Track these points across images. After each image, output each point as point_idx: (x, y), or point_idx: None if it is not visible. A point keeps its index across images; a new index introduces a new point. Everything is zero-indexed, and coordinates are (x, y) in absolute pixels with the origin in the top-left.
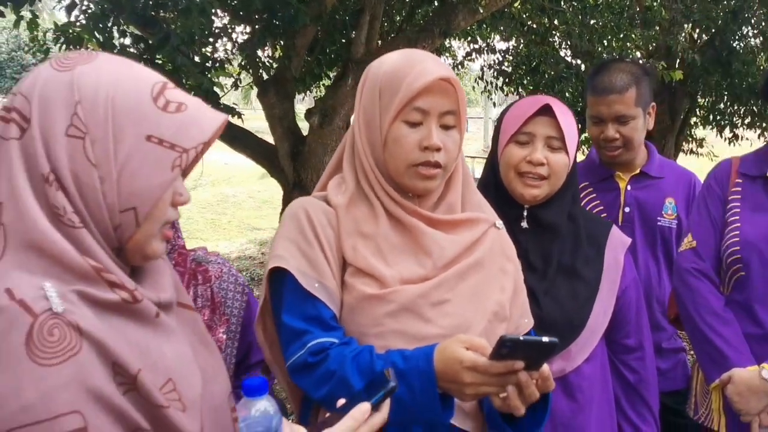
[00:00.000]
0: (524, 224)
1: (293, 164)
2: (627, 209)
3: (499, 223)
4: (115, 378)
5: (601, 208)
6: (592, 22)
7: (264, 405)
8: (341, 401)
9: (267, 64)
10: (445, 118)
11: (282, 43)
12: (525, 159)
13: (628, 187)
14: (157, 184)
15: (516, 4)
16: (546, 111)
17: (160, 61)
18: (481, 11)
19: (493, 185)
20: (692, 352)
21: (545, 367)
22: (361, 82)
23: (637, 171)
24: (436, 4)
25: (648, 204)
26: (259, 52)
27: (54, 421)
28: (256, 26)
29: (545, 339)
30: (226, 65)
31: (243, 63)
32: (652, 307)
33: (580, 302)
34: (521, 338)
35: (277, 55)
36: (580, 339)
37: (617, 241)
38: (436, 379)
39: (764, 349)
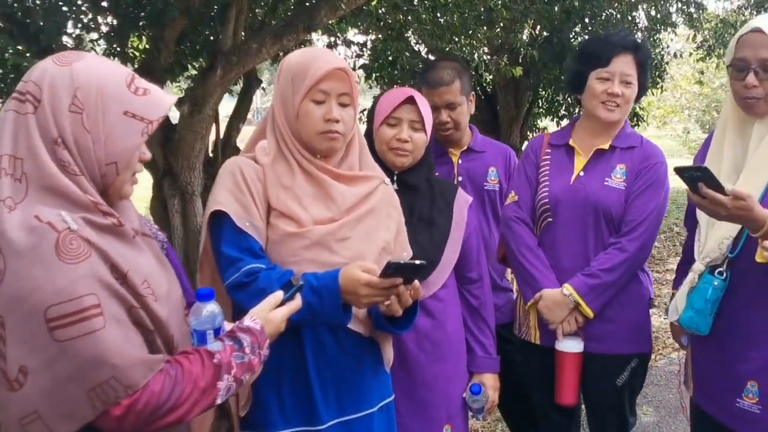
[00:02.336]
0: (394, 186)
1: (163, 152)
2: (460, 178)
3: (387, 180)
4: (113, 274)
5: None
6: (441, 20)
7: (212, 307)
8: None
9: (132, 54)
10: (342, 98)
11: (150, 34)
12: (394, 137)
13: (459, 161)
14: (132, 145)
15: (373, 2)
16: (410, 100)
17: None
18: (344, 7)
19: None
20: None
21: (416, 282)
22: (278, 72)
23: (465, 147)
24: None
25: (475, 173)
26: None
27: (79, 299)
28: (123, 18)
29: (417, 262)
30: None
31: (108, 53)
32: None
33: (435, 244)
34: (401, 262)
35: (142, 46)
36: (435, 272)
37: (462, 199)
38: (340, 292)
39: (564, 276)
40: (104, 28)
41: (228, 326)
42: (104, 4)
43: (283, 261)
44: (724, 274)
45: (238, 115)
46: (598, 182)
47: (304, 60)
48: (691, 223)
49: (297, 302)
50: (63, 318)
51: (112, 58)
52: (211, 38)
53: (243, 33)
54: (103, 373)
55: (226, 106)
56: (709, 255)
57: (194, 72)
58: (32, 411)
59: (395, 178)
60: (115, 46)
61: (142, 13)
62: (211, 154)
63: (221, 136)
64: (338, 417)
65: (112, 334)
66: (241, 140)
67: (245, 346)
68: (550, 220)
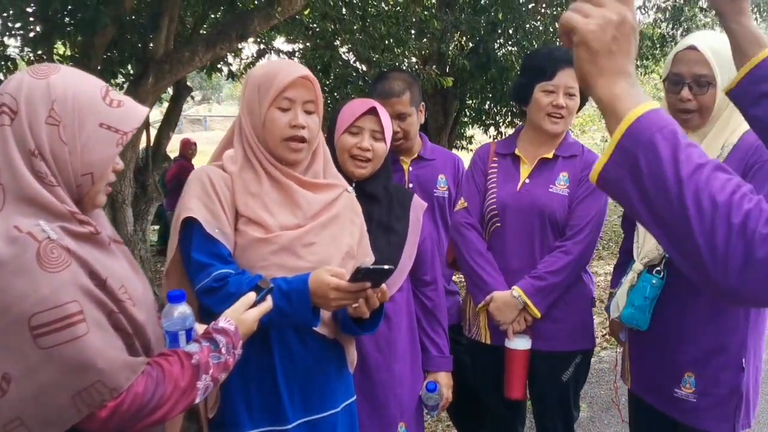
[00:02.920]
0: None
1: None
2: (411, 185)
3: (350, 188)
4: (93, 281)
5: None
6: (372, 30)
7: (183, 308)
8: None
9: (58, 61)
10: (307, 105)
11: (79, 39)
12: (356, 145)
13: (410, 168)
14: (107, 156)
15: (305, 12)
16: (372, 111)
17: None
18: (277, 17)
19: None
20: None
21: (383, 285)
22: (244, 82)
23: (416, 155)
24: (226, 8)
25: (426, 180)
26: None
27: (62, 307)
28: (51, 24)
29: (385, 267)
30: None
31: (33, 59)
32: None
33: (393, 249)
34: (371, 267)
35: (68, 52)
36: (393, 276)
37: (417, 205)
38: (310, 295)
39: (513, 278)
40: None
41: (199, 327)
42: (29, 9)
43: (252, 266)
44: (662, 273)
45: (168, 123)
46: (542, 189)
47: (269, 70)
48: (627, 226)
49: (268, 303)
50: (47, 325)
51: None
52: (140, 45)
53: (173, 41)
54: (88, 378)
55: (153, 113)
56: (648, 255)
57: (122, 79)
58: (15, 417)
59: (354, 186)
60: (40, 52)
61: (72, 20)
62: (141, 163)
63: (151, 144)
64: (304, 417)
65: (96, 339)
66: (171, 149)
67: (221, 346)
68: (498, 225)
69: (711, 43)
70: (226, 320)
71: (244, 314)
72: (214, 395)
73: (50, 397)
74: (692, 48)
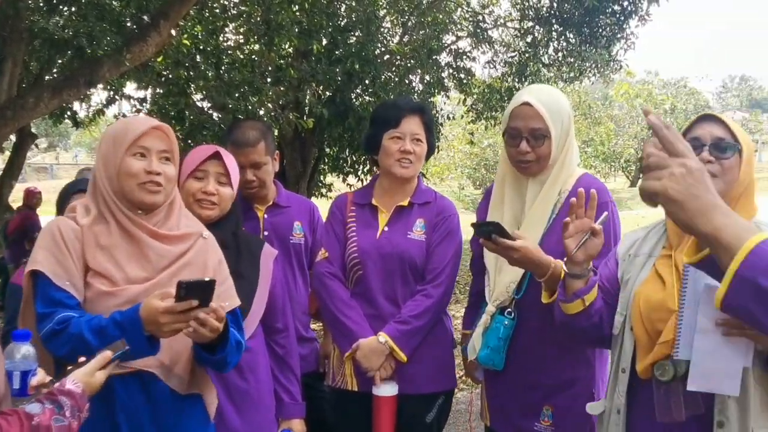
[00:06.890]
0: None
1: None
2: (266, 233)
3: (206, 233)
4: None
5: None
6: (227, 77)
7: (26, 349)
8: (82, 358)
9: None
10: (162, 154)
11: None
12: (201, 190)
13: (265, 216)
14: None
15: (158, 59)
16: (216, 155)
17: None
18: (127, 64)
19: None
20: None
21: (213, 304)
22: (101, 137)
23: (271, 203)
24: (74, 53)
25: (281, 227)
26: None
27: None
28: None
29: (206, 279)
30: None
31: None
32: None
33: (244, 296)
34: (192, 280)
35: None
36: (245, 322)
37: (268, 252)
38: (142, 323)
39: (378, 324)
40: None
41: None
42: None
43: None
44: (513, 314)
45: (10, 173)
46: (401, 236)
47: (124, 123)
48: (476, 269)
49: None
50: None
51: None
52: None
53: (17, 87)
54: None
55: None
56: (499, 298)
57: None
58: None
59: None
60: None
61: None
62: None
63: None
64: None
65: None
66: (13, 199)
67: (65, 409)
68: (361, 272)
69: (543, 98)
70: (73, 382)
71: (93, 377)
72: None
73: None
74: (527, 104)
